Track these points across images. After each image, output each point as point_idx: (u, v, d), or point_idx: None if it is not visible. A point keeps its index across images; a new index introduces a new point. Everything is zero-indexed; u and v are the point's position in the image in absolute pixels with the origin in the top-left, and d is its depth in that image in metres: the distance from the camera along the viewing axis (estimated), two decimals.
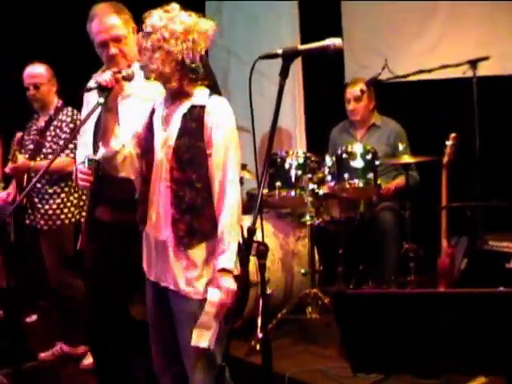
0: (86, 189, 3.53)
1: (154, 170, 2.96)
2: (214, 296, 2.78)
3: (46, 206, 4.92)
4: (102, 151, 3.03)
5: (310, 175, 4.99)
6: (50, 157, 4.88)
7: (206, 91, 2.98)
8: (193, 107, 2.93)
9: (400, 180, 5.36)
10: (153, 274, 3.05)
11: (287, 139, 6.69)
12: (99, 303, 3.54)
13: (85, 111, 3.74)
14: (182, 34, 2.82)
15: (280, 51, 2.43)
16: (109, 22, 3.37)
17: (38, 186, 4.91)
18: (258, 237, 2.56)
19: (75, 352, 5.04)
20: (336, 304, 2.22)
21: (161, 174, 2.93)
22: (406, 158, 5.11)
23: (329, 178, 5.02)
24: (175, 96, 2.98)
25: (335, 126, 5.86)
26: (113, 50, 3.39)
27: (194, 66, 2.86)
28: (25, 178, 4.97)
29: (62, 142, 4.87)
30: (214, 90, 3.04)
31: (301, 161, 5.06)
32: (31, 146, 5.06)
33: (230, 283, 2.78)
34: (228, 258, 2.81)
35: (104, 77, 2.94)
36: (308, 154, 5.12)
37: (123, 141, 3.02)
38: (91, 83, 3.11)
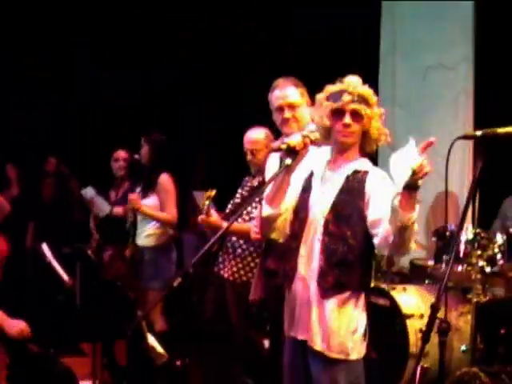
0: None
1: (307, 225, 3.03)
2: None
3: (238, 259, 4.84)
4: (268, 210, 3.10)
5: (479, 252, 4.93)
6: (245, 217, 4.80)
7: (368, 161, 3.13)
8: (356, 172, 3.05)
9: None
10: (293, 330, 3.06)
11: (455, 212, 6.57)
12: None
13: (270, 170, 3.91)
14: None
15: (479, 133, 2.47)
16: (287, 91, 3.81)
17: (234, 238, 4.86)
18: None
19: None
20: None
21: (314, 228, 3.01)
22: None
23: (499, 256, 4.93)
24: (339, 160, 3.09)
25: (508, 196, 5.65)
26: (287, 114, 3.77)
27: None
28: None
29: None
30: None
31: (470, 236, 5.01)
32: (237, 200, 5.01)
33: None
34: None
35: (295, 138, 3.09)
36: (477, 231, 5.06)
37: (286, 205, 3.11)
38: (277, 143, 3.28)
